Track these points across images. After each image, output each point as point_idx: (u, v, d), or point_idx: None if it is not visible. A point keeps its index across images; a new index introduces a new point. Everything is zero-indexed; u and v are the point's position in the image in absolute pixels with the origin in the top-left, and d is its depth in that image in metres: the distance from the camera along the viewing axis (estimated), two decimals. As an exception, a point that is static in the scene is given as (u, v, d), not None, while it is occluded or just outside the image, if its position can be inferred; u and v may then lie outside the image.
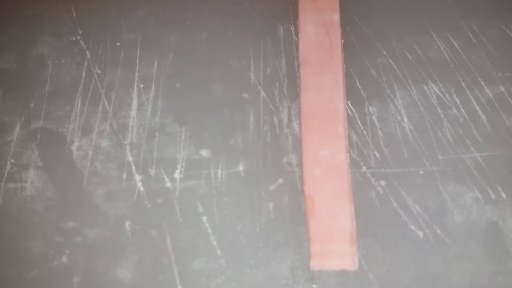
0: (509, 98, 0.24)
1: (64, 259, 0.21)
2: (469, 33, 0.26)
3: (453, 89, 0.24)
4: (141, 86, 0.24)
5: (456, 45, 0.26)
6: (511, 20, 0.27)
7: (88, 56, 0.25)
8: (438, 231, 0.21)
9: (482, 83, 0.24)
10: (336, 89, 0.24)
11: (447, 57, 0.25)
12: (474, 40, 0.26)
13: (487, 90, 0.24)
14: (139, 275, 0.20)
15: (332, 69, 0.24)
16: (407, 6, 0.27)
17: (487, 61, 0.25)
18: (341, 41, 0.25)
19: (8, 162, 0.23)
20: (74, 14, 0.27)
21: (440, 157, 0.22)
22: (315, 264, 0.20)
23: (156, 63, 0.25)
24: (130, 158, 0.23)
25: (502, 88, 0.24)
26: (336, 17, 0.26)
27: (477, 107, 0.24)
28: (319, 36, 0.25)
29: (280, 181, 0.22)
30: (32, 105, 0.24)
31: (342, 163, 0.22)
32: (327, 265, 0.20)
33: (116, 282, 0.20)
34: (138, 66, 0.25)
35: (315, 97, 0.23)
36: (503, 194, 0.22)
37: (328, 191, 0.21)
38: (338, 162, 0.22)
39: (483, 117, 0.23)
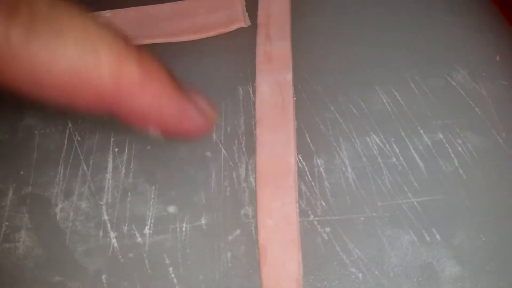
0: (447, 145, 0.26)
1: (50, 310, 0.24)
2: (412, 84, 0.29)
3: (393, 139, 0.27)
4: (116, 150, 0.28)
5: (398, 97, 0.28)
6: (454, 68, 0.29)
7: (69, 124, 0.29)
8: (376, 272, 0.23)
9: (422, 131, 0.27)
10: (287, 144, 0.26)
11: (389, 109, 0.28)
12: (416, 91, 0.28)
13: (425, 138, 0.27)
14: (113, 323, 0.23)
15: (284, 126, 0.27)
16: (355, 63, 0.30)
17: (427, 110, 0.28)
18: (293, 99, 0.28)
19: (3, 225, 0.26)
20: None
21: (379, 203, 0.25)
22: None
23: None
24: (106, 217, 0.26)
25: (441, 135, 0.27)
26: (289, 77, 0.29)
27: (416, 155, 0.26)
28: (273, 95, 0.28)
29: (238, 232, 0.25)
30: (22, 172, 0.27)
31: (292, 213, 0.25)
32: None
33: (93, 330, 0.23)
34: (113, 132, 0.28)
35: (269, 153, 0.26)
36: (438, 236, 0.24)
37: (279, 240, 0.24)
38: (288, 213, 0.25)
39: (421, 164, 0.26)
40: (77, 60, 0.14)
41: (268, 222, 0.24)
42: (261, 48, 0.29)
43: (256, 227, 0.25)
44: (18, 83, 0.14)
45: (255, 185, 0.26)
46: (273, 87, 0.28)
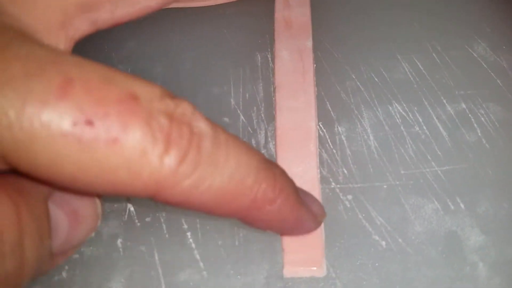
0: (470, 115, 0.26)
1: (64, 274, 0.23)
2: (434, 54, 0.28)
3: (416, 108, 0.26)
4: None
5: (420, 66, 0.28)
6: (475, 40, 0.29)
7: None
8: (400, 240, 0.23)
9: (444, 101, 0.27)
10: (308, 109, 0.26)
11: (412, 78, 0.27)
12: (438, 61, 0.28)
13: (448, 107, 0.26)
14: (130, 287, 0.22)
15: (305, 92, 0.26)
16: (376, 32, 0.29)
17: (449, 80, 0.27)
18: (314, 65, 0.27)
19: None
20: (70, 49, 0.29)
21: (402, 172, 0.24)
22: (288, 272, 0.22)
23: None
24: (121, 181, 0.25)
25: (464, 105, 0.26)
26: (309, 44, 0.28)
27: (439, 124, 0.26)
28: (293, 61, 0.27)
29: (257, 198, 0.24)
30: None
31: (314, 178, 0.24)
32: (298, 273, 0.22)
33: (109, 294, 0.22)
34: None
35: (289, 118, 0.26)
36: (462, 205, 0.24)
37: None
38: (310, 178, 0.24)
39: (444, 133, 0.25)
40: (227, 186, 0.16)
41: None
42: (280, 14, 0.29)
43: (276, 193, 0.24)
44: (170, 201, 0.16)
45: (275, 151, 0.25)
46: (293, 53, 0.28)
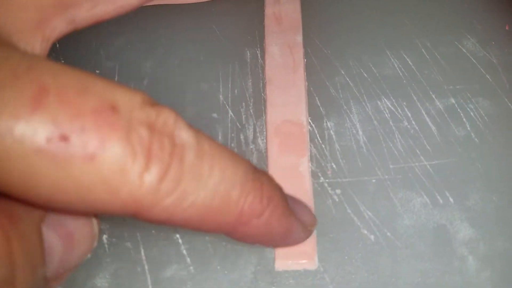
0: (459, 109, 0.26)
1: (49, 271, 0.23)
2: (423, 50, 0.28)
3: (405, 103, 0.26)
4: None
5: (409, 62, 0.28)
6: (463, 36, 0.29)
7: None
8: (389, 234, 0.23)
9: (433, 96, 0.26)
10: (299, 104, 0.26)
11: (401, 74, 0.27)
12: (427, 56, 0.28)
13: (437, 102, 0.26)
14: (115, 284, 0.22)
15: (295, 86, 0.26)
16: (365, 28, 0.29)
17: (438, 75, 0.27)
18: (304, 60, 0.27)
19: None
20: (57, 45, 0.29)
21: (391, 166, 0.24)
22: (280, 265, 0.22)
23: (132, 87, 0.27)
24: (108, 177, 0.25)
25: (453, 100, 0.26)
26: (299, 39, 0.28)
27: (428, 119, 0.26)
28: (283, 56, 0.27)
29: (245, 193, 0.24)
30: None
31: (305, 172, 0.24)
32: (290, 266, 0.22)
33: (95, 291, 0.22)
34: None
35: (280, 112, 0.25)
36: (451, 199, 0.23)
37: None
38: (301, 172, 0.24)
39: (433, 128, 0.25)
40: (211, 201, 0.15)
41: (280, 182, 0.24)
42: (270, 10, 0.29)
43: (264, 188, 0.24)
44: (151, 220, 0.15)
45: (266, 145, 0.25)
46: (283, 48, 0.27)
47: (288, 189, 0.23)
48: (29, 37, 0.16)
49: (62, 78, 0.13)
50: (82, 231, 0.17)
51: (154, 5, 0.30)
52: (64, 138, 0.13)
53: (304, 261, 0.22)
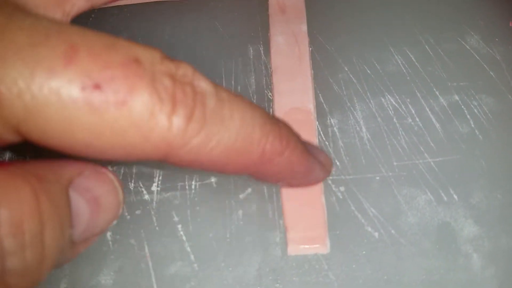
0: (462, 106, 0.26)
1: (53, 268, 0.23)
2: (426, 46, 0.28)
3: (408, 100, 0.26)
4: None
5: (413, 59, 0.28)
6: (467, 32, 0.29)
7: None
8: (393, 231, 0.23)
9: (437, 93, 0.26)
10: (306, 92, 0.26)
11: (404, 70, 0.27)
12: (431, 53, 0.28)
13: (441, 99, 0.26)
14: (120, 281, 0.22)
15: (302, 74, 0.26)
16: (368, 24, 0.29)
17: (442, 72, 0.27)
18: (309, 49, 0.27)
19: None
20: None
21: (395, 163, 0.24)
22: (292, 250, 0.22)
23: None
24: (111, 174, 0.25)
25: (456, 97, 0.26)
26: (304, 28, 0.28)
27: (432, 116, 0.26)
28: (288, 45, 0.27)
29: (249, 190, 0.24)
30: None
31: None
32: (302, 250, 0.22)
33: (99, 288, 0.22)
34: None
35: (287, 100, 0.25)
36: (455, 196, 0.23)
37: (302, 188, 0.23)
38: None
39: (437, 125, 0.25)
40: (235, 141, 0.16)
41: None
42: (274, 0, 0.29)
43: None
44: (180, 161, 0.16)
45: None
46: (288, 37, 0.27)
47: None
48: (51, 12, 0.18)
49: (90, 37, 0.14)
50: (108, 197, 0.18)
51: (157, 1, 0.30)
52: (97, 86, 0.14)
53: (316, 245, 0.22)
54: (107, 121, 0.14)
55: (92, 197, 0.17)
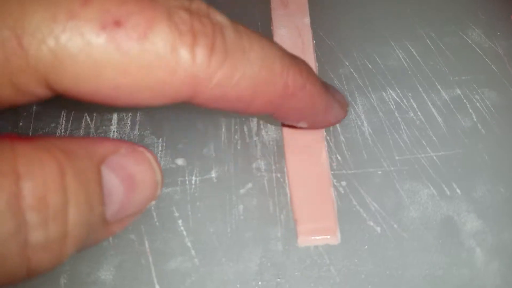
0: (465, 100, 0.26)
1: (52, 264, 0.22)
2: (428, 41, 0.28)
3: (410, 94, 0.26)
4: (121, 102, 0.26)
5: (414, 53, 0.27)
6: (468, 26, 0.29)
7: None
8: (395, 226, 0.22)
9: (439, 87, 0.26)
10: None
11: (406, 65, 0.27)
12: (432, 47, 0.28)
13: (443, 93, 0.26)
14: (120, 276, 0.22)
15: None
16: (369, 19, 0.29)
17: (444, 66, 0.27)
18: (313, 42, 0.27)
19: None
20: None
21: (397, 157, 0.24)
22: (302, 241, 0.22)
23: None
24: (111, 169, 0.24)
25: (459, 91, 0.26)
26: (307, 21, 0.28)
27: (434, 110, 0.25)
28: (292, 38, 0.27)
29: (250, 185, 0.24)
30: (21, 124, 0.26)
31: (321, 149, 0.24)
32: (313, 242, 0.22)
33: (99, 283, 0.22)
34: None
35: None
36: (458, 191, 0.23)
37: (311, 178, 0.23)
38: (317, 148, 0.24)
39: (439, 119, 0.25)
40: (259, 72, 0.16)
41: (298, 158, 0.24)
42: (276, -7, 0.29)
43: (284, 173, 0.24)
44: (208, 99, 0.16)
45: (281, 125, 0.25)
46: (291, 30, 0.27)
47: (306, 163, 0.23)
48: None
49: None
50: (144, 175, 0.17)
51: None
52: (117, 23, 0.14)
53: (327, 236, 0.22)
54: (131, 57, 0.14)
55: (127, 176, 0.17)
